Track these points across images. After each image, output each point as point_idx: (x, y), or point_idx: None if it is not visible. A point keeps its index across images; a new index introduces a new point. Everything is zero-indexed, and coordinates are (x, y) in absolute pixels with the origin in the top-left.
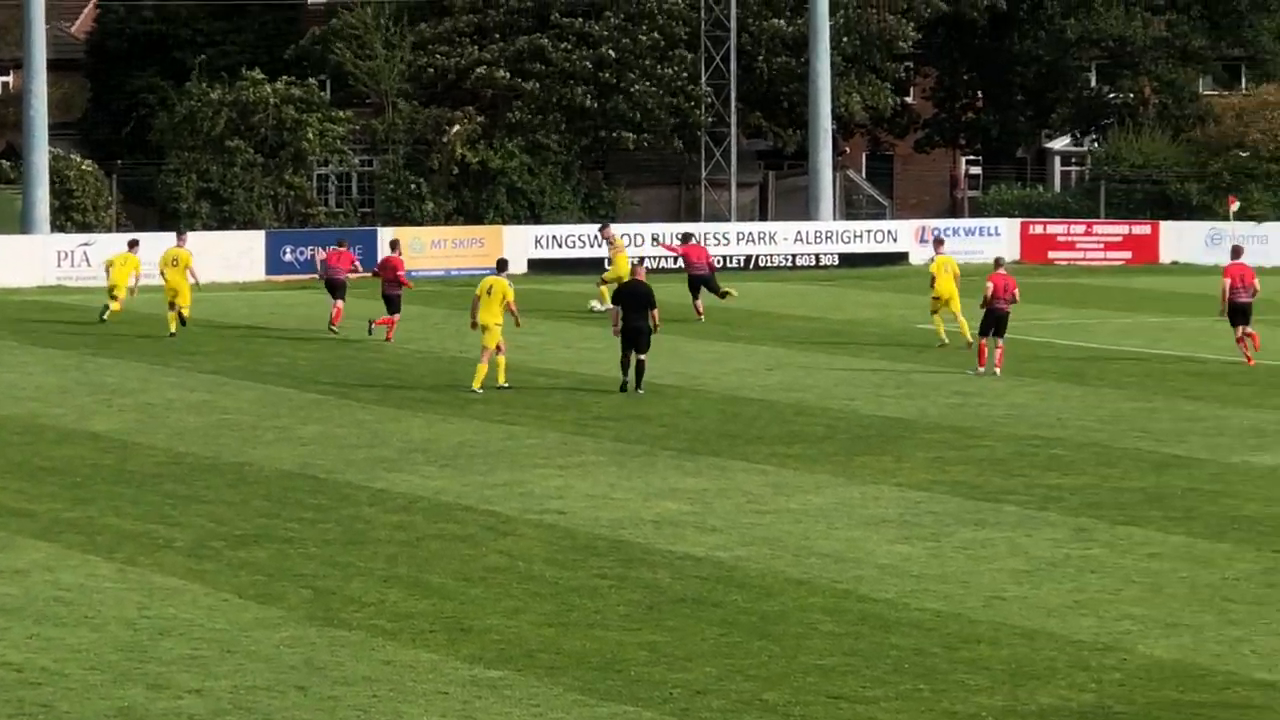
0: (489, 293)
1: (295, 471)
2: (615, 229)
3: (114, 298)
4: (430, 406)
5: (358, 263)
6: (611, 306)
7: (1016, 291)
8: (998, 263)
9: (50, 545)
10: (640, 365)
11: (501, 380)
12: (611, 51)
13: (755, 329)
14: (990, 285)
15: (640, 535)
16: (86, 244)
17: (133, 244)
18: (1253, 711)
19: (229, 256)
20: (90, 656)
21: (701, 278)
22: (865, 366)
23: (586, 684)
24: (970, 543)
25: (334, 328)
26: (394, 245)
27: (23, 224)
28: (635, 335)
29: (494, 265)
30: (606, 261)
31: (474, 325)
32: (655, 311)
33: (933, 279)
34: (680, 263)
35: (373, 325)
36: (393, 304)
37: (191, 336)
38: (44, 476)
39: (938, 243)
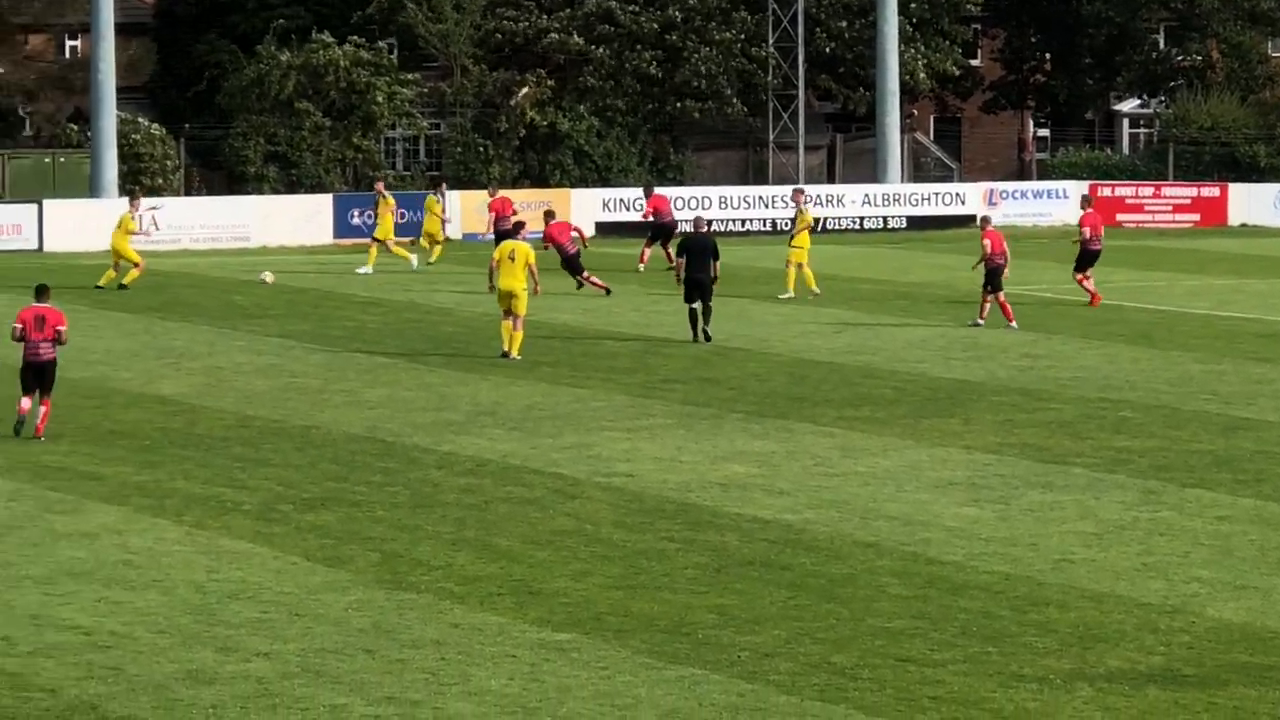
0: (511, 257)
1: (363, 435)
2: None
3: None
4: (498, 370)
5: (578, 230)
6: (676, 258)
7: (1007, 249)
8: (985, 221)
9: (119, 509)
10: (706, 312)
11: (515, 351)
12: (678, 14)
13: (823, 291)
14: (987, 243)
15: (708, 498)
16: (154, 208)
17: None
18: None
19: (296, 220)
20: (159, 620)
21: (668, 228)
22: (933, 329)
23: (654, 647)
24: (1038, 505)
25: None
26: (549, 215)
27: (91, 188)
28: (697, 286)
29: (512, 228)
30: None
31: (491, 289)
32: (717, 263)
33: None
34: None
35: (587, 280)
36: (574, 264)
37: (259, 300)
38: (112, 440)
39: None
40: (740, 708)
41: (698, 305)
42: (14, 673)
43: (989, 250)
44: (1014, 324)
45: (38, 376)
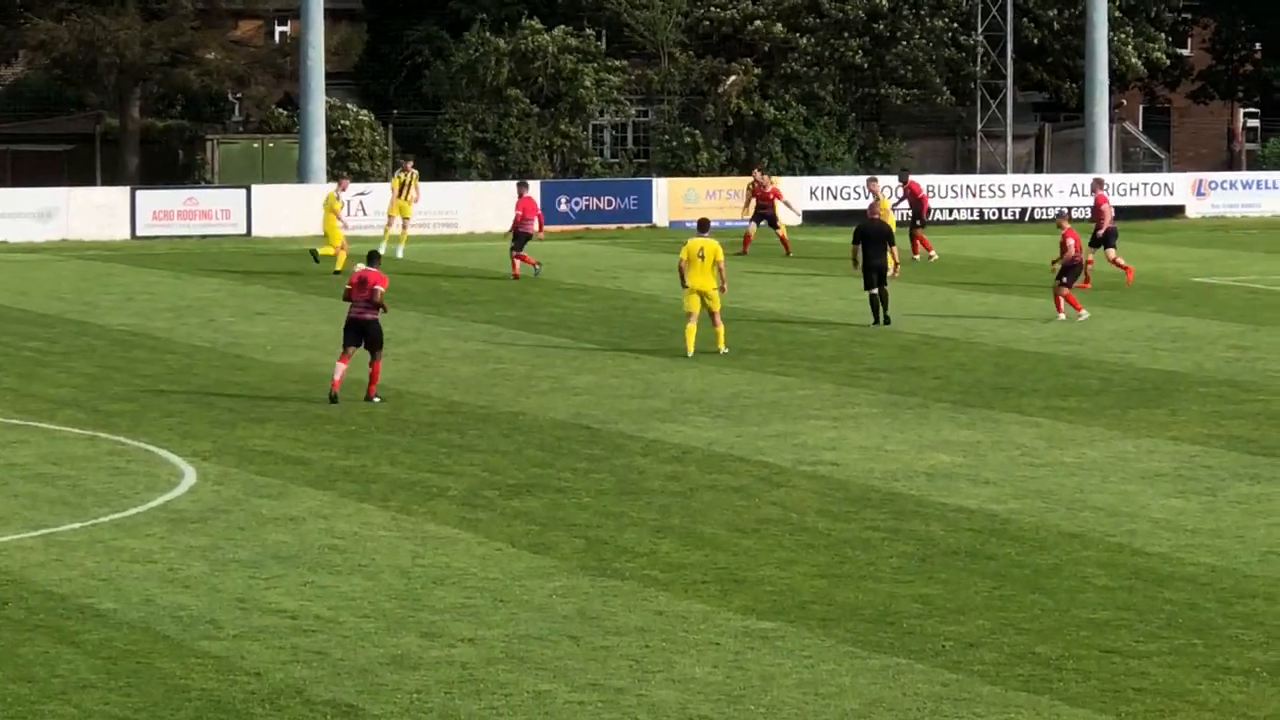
0: (700, 256)
1: (569, 421)
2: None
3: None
4: (704, 358)
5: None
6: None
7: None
8: (1064, 218)
9: (325, 493)
10: (884, 296)
11: (721, 346)
12: (886, 2)
13: (1029, 281)
14: (1071, 242)
15: (913, 487)
16: (363, 194)
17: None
18: None
19: (504, 207)
20: (364, 604)
21: (524, 236)
22: (1140, 320)
23: (859, 636)
24: (1246, 497)
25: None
26: (523, 187)
27: (300, 173)
28: (876, 271)
29: (697, 226)
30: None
31: (685, 286)
32: (894, 249)
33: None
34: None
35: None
36: (520, 242)
37: (466, 287)
38: (319, 425)
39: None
40: (944, 697)
41: (875, 290)
42: (220, 656)
43: (1074, 250)
44: (1084, 313)
45: (358, 334)
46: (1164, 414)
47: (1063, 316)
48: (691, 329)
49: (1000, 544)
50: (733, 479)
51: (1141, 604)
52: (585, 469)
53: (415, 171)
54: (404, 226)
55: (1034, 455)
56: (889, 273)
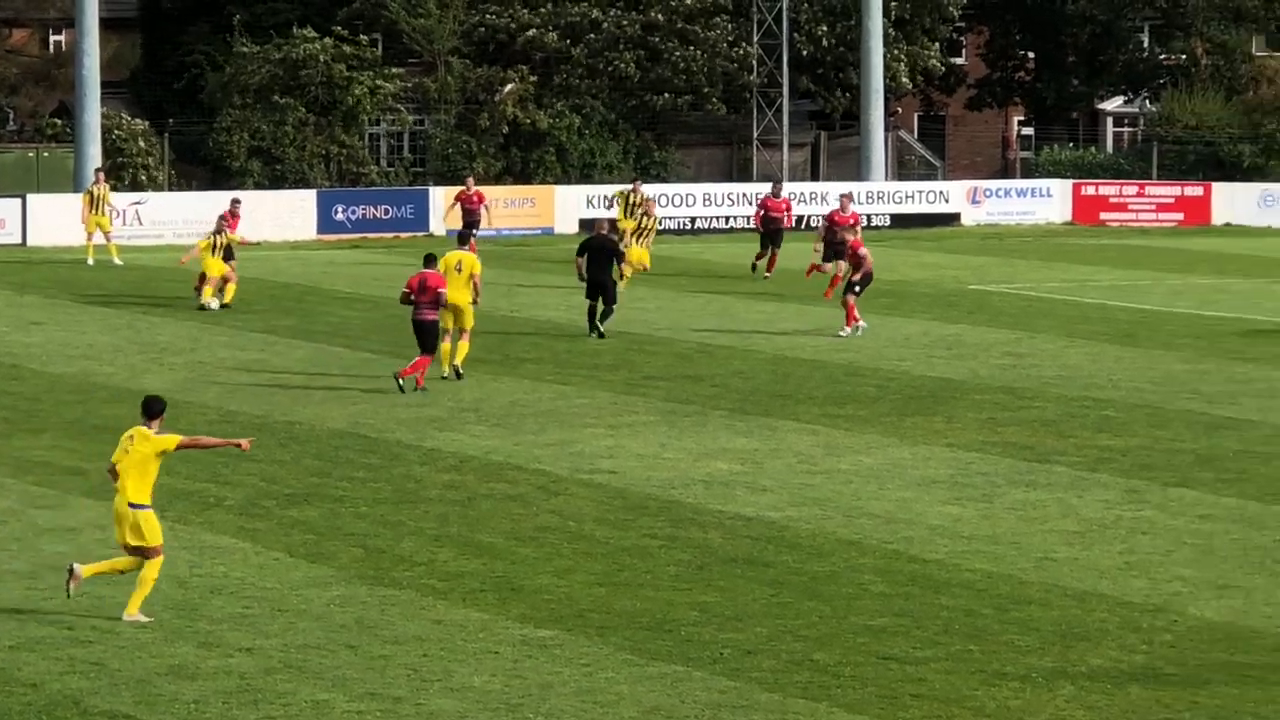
0: (458, 268)
1: (346, 430)
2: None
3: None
4: (481, 366)
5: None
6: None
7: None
8: (855, 230)
9: (102, 504)
10: (606, 312)
11: (456, 363)
12: (660, 16)
13: (807, 290)
14: (865, 252)
15: (691, 495)
16: (138, 203)
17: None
18: None
19: (280, 215)
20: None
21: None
22: (915, 327)
23: (637, 644)
24: (1021, 504)
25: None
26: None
27: (75, 183)
28: (598, 286)
29: (457, 238)
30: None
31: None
32: (622, 265)
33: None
34: None
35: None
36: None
37: (243, 295)
38: (96, 435)
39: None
40: (723, 705)
41: (597, 303)
42: None
43: (869, 263)
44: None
45: (423, 334)
46: (940, 421)
47: (864, 325)
48: (445, 346)
49: (778, 551)
50: (510, 487)
51: (918, 610)
52: (363, 478)
53: (107, 185)
54: (106, 238)
55: (811, 463)
56: (618, 284)
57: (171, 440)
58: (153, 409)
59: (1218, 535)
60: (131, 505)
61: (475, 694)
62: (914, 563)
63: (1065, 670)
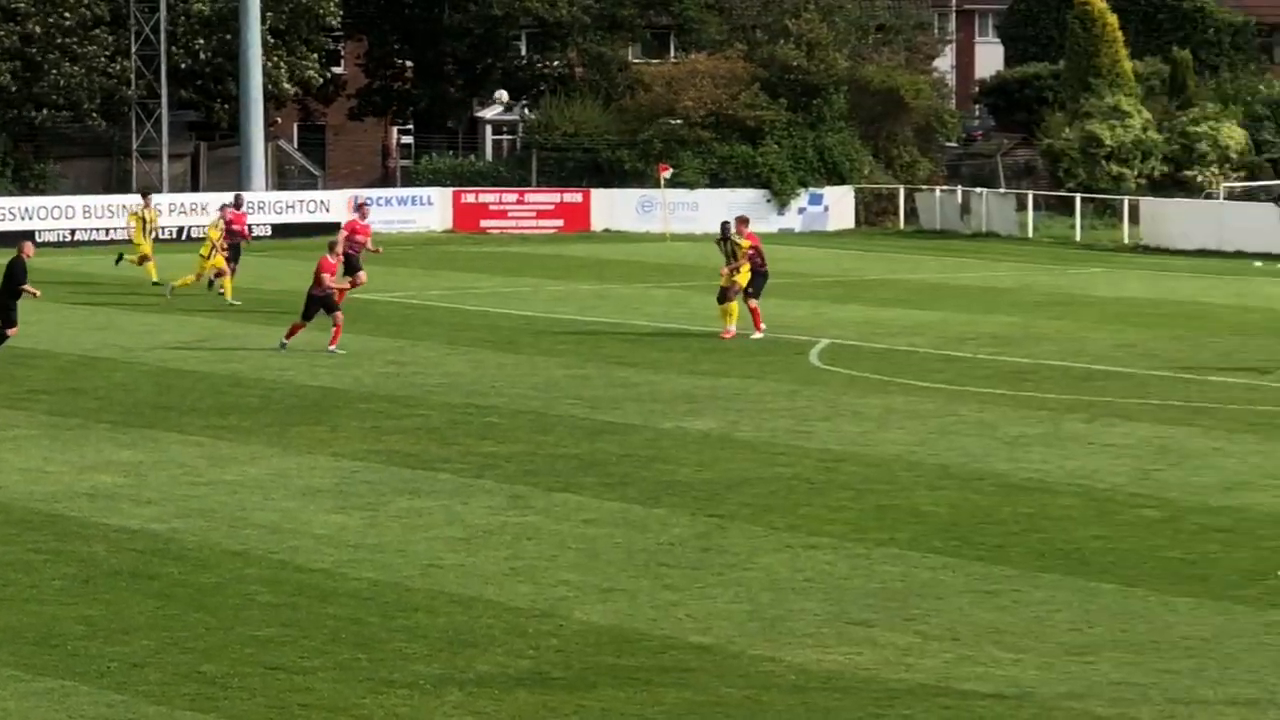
0: None
1: None
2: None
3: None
4: None
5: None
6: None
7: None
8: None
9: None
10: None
11: None
12: (38, 28)
13: (189, 301)
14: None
15: (75, 508)
16: None
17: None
18: (688, 674)
19: None
20: None
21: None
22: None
23: (23, 659)
24: (406, 511)
25: None
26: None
27: None
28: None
29: None
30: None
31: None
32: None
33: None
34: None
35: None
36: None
37: None
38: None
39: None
40: (110, 719)
41: None
42: None
43: (761, 260)
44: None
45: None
46: (324, 430)
47: (763, 329)
48: None
49: (164, 563)
50: None
51: (305, 620)
52: None
53: (154, 209)
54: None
55: (196, 474)
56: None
57: None
58: None
59: (601, 539)
60: None
61: None
62: (300, 572)
63: (453, 676)
